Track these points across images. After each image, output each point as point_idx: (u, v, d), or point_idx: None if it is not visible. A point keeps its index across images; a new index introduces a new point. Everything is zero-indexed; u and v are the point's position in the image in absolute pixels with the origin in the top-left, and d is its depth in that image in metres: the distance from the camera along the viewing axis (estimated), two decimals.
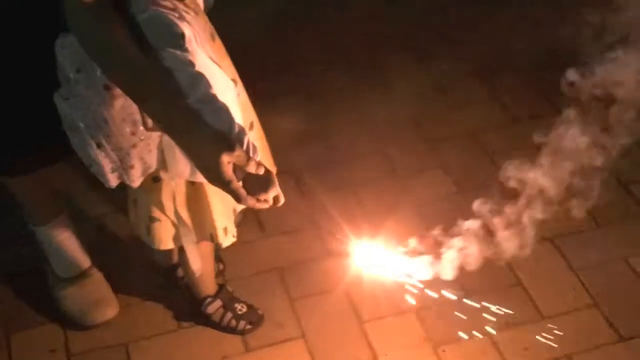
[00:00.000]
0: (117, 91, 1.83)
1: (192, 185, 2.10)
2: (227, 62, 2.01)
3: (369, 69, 3.42)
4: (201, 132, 1.68)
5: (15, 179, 2.33)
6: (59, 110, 1.94)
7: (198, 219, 2.15)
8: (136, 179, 2.02)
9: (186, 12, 1.83)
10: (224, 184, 1.68)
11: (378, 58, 3.48)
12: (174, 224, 2.15)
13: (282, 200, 1.76)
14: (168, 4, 1.80)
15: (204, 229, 2.17)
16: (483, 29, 3.55)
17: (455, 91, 3.29)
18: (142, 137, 1.93)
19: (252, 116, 2.11)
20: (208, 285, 2.44)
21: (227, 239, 2.20)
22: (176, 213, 2.12)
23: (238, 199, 1.71)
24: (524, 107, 3.20)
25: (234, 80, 1.98)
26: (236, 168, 1.68)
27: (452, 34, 3.57)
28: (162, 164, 2.01)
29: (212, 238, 2.19)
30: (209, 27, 1.97)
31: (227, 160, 1.65)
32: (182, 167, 1.99)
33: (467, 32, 3.55)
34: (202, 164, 1.71)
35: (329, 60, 3.48)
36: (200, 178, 1.91)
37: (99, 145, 1.92)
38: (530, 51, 3.42)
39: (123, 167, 1.98)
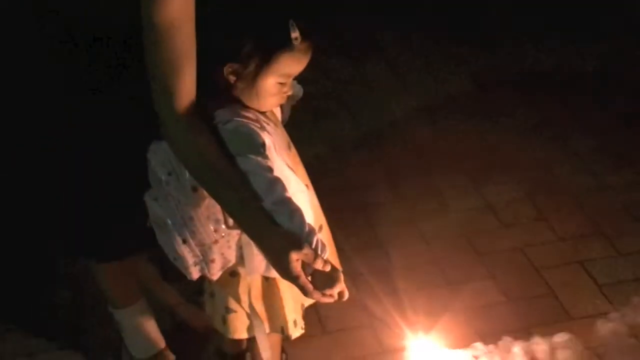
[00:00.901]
0: (203, 192, 1.92)
1: (266, 280, 2.16)
2: (301, 169, 2.10)
3: (425, 188, 3.53)
4: (273, 232, 1.80)
5: (101, 265, 2.44)
6: (149, 209, 2.03)
7: (271, 311, 2.20)
8: (216, 273, 2.08)
9: (267, 123, 1.95)
10: (293, 279, 1.78)
11: (433, 178, 3.58)
12: (248, 316, 2.20)
13: (346, 295, 1.83)
14: (251, 115, 1.92)
15: (275, 321, 2.22)
16: (532, 157, 3.68)
17: (504, 211, 3.36)
18: (224, 234, 2.01)
19: (322, 219, 2.17)
20: None
21: (296, 331, 2.24)
22: (251, 306, 2.16)
23: (305, 292, 1.79)
24: (570, 228, 3.27)
25: (306, 186, 2.07)
26: (305, 265, 1.78)
27: (503, 158, 3.69)
28: (240, 259, 2.07)
29: (283, 330, 2.23)
30: (286, 137, 2.08)
31: (295, 258, 1.75)
32: (258, 263, 2.05)
33: (518, 158, 3.68)
34: (274, 260, 1.82)
35: (388, 180, 3.60)
36: (274, 274, 1.99)
37: (184, 241, 1.99)
38: (577, 177, 3.55)
39: (205, 261, 2.03)
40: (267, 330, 2.24)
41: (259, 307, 2.20)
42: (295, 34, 1.86)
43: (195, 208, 1.97)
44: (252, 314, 2.19)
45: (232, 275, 2.15)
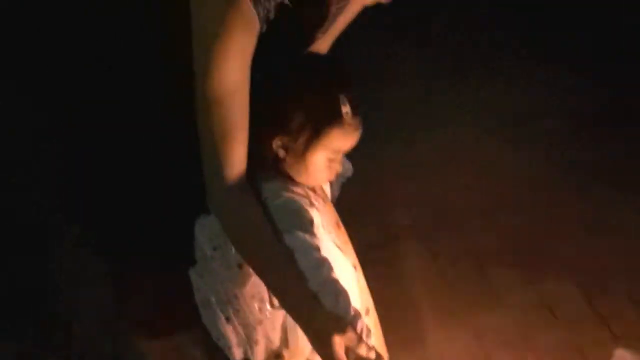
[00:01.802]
0: (249, 270, 1.87)
1: None
2: (350, 248, 2.04)
3: (477, 279, 3.44)
4: (317, 313, 1.73)
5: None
6: (193, 285, 2.00)
7: None
8: (259, 355, 2.02)
9: (315, 200, 1.91)
10: None
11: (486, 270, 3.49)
12: None
13: None
14: (300, 190, 1.88)
15: None
16: (587, 251, 3.57)
17: (559, 308, 3.25)
18: (268, 315, 1.96)
19: (369, 302, 2.10)
20: None
21: None
22: None
23: None
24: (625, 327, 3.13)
25: (354, 266, 2.01)
26: (348, 350, 1.71)
27: (558, 253, 3.59)
28: (285, 342, 2.02)
29: None
30: (335, 214, 2.03)
31: (339, 342, 1.68)
32: (303, 346, 2.00)
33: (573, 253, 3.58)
34: (316, 342, 1.75)
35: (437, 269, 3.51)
36: (319, 357, 1.95)
37: (228, 320, 1.96)
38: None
39: (249, 342, 1.99)
40: None
41: None
42: (346, 109, 1.81)
43: (240, 286, 1.93)
44: None
45: (276, 357, 2.08)
